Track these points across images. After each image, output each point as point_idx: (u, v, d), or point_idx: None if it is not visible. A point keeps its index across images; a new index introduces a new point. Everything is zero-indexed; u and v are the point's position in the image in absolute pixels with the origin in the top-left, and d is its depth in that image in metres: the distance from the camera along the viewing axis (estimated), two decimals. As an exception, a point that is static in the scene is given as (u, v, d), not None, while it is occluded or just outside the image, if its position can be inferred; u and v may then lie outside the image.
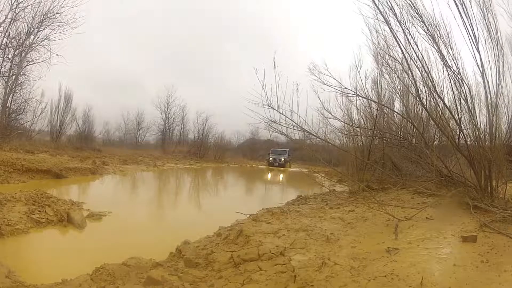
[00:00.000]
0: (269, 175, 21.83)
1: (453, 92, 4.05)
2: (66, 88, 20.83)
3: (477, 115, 3.97)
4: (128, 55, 44.90)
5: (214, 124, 30.87)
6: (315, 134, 5.12)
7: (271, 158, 28.91)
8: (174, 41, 51.33)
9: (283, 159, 28.74)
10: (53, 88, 19.93)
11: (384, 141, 6.96)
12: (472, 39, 3.84)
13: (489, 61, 3.89)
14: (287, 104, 4.74)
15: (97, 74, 40.98)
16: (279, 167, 27.60)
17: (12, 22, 13.57)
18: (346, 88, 5.41)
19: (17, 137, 15.27)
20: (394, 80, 6.19)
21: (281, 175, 21.95)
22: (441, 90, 4.22)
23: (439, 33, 4.00)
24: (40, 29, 14.48)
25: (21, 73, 14.50)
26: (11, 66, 14.22)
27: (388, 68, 6.06)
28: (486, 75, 3.85)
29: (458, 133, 4.18)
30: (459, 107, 3.98)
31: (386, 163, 6.96)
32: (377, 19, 4.58)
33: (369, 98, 6.66)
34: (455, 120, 4.12)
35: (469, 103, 3.92)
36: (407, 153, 6.20)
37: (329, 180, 9.68)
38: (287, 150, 29.51)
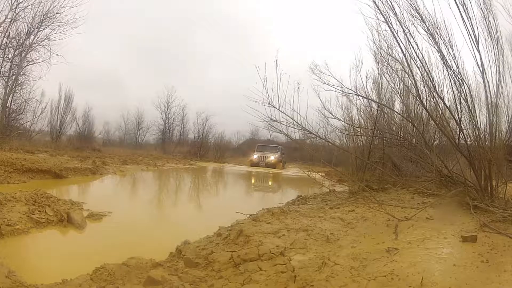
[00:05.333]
0: (252, 180, 15.76)
1: (453, 92, 4.06)
2: (67, 88, 20.88)
3: (477, 115, 3.97)
4: (118, 54, 44.81)
5: (214, 124, 30.80)
6: (315, 133, 5.12)
7: (255, 156, 22.55)
8: (170, 41, 51.30)
9: (272, 158, 22.17)
10: (53, 90, 19.96)
11: (384, 141, 6.97)
12: (472, 39, 3.84)
13: (489, 61, 3.89)
14: (288, 103, 4.75)
15: (92, 73, 41.01)
16: (266, 167, 21.14)
17: (12, 22, 13.55)
18: (346, 88, 5.43)
19: (17, 137, 15.26)
20: (395, 80, 6.21)
21: (270, 181, 15.66)
22: (441, 90, 4.22)
23: (440, 33, 4.00)
24: (40, 29, 14.44)
25: (21, 73, 14.47)
26: (11, 66, 14.19)
27: (388, 68, 6.08)
28: (486, 75, 3.85)
29: (458, 133, 4.18)
30: (459, 107, 3.97)
31: (386, 163, 6.97)
32: (378, 19, 4.59)
33: (370, 98, 6.67)
34: (455, 120, 4.11)
35: (469, 103, 3.91)
36: (407, 153, 6.20)
37: (329, 180, 9.68)
38: (279, 146, 23.97)
